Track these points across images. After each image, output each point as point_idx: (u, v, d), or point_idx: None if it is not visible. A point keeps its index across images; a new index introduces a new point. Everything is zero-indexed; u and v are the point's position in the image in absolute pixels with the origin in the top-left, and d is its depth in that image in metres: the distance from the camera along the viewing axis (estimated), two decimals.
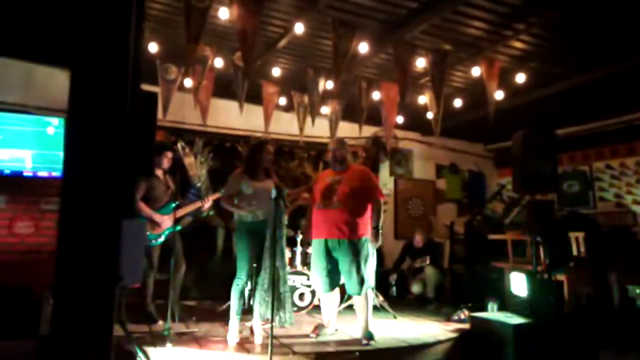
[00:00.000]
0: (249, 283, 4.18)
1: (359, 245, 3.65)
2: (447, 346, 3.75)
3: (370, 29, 4.46)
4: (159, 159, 4.13)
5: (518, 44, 4.72)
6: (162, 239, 4.08)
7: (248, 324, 3.79)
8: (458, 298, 5.26)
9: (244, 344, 3.46)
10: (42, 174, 4.93)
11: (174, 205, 4.03)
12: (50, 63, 4.99)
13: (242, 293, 3.67)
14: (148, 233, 3.99)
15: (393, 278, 5.54)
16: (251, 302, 4.43)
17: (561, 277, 4.61)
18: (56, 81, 4.88)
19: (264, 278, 3.76)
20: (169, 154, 4.24)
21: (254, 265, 3.71)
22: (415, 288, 5.58)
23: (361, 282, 3.61)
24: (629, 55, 4.67)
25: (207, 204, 4.30)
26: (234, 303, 3.62)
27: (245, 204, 3.65)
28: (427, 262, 5.53)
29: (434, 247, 5.97)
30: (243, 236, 3.66)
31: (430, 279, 5.48)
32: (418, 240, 5.86)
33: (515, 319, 3.74)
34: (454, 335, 3.90)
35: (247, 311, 4.19)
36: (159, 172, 4.17)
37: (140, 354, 3.04)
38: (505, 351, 3.57)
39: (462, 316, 4.47)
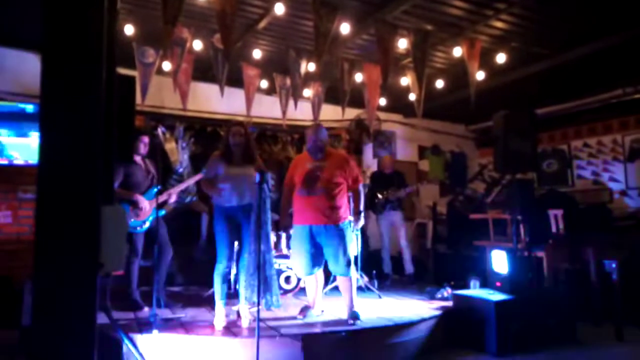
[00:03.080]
0: (234, 267, 4.19)
1: (343, 228, 3.72)
2: (431, 323, 3.83)
3: (352, 9, 4.41)
4: (136, 145, 4.05)
5: (498, 24, 4.74)
6: (146, 225, 4.04)
7: (235, 308, 3.80)
8: (441, 277, 5.36)
9: (231, 328, 3.47)
10: (18, 161, 4.81)
11: (156, 190, 3.98)
12: (21, 46, 4.82)
13: (224, 277, 3.66)
14: (132, 220, 3.94)
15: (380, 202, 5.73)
16: (237, 287, 4.46)
17: (540, 253, 4.73)
18: (28, 65, 4.72)
19: (249, 262, 3.76)
20: (145, 139, 4.15)
21: (235, 249, 3.71)
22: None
23: (348, 263, 3.68)
24: (606, 35, 4.73)
25: (173, 197, 4.26)
26: (217, 288, 3.63)
27: (219, 189, 3.63)
28: (401, 193, 5.67)
29: (401, 174, 6.08)
30: (219, 220, 3.65)
31: (407, 251, 5.61)
32: (388, 166, 6.00)
33: (496, 296, 3.83)
34: (437, 312, 3.98)
35: (233, 295, 4.21)
36: (137, 158, 4.10)
37: (126, 341, 3.03)
38: (487, 327, 3.67)
39: (445, 294, 4.56)
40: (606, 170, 6.63)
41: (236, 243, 3.80)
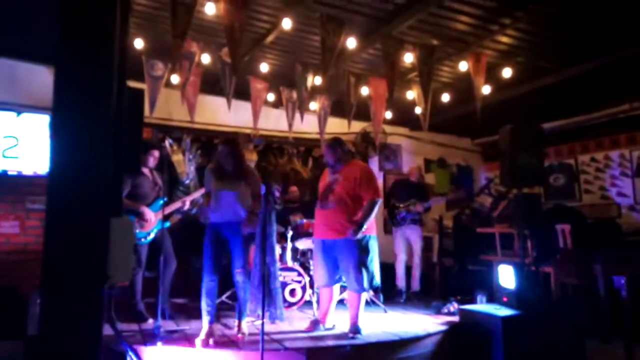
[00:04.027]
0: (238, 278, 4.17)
1: (359, 243, 3.64)
2: (437, 339, 3.78)
3: (358, 24, 4.46)
4: (145, 158, 4.10)
5: (504, 39, 4.76)
6: (151, 236, 4.05)
7: (244, 322, 3.79)
8: (447, 291, 5.31)
9: (234, 341, 3.45)
10: (27, 172, 4.86)
11: (162, 202, 4.01)
12: (34, 60, 4.90)
13: (209, 291, 3.55)
14: (137, 231, 3.96)
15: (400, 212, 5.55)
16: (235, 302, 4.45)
17: (548, 269, 4.68)
18: (40, 78, 4.80)
19: (254, 274, 3.75)
20: (156, 153, 4.21)
21: (222, 263, 3.64)
22: None
23: (359, 279, 3.62)
24: (613, 49, 4.74)
25: (187, 205, 4.27)
26: (202, 302, 3.54)
27: (206, 204, 3.63)
28: (419, 207, 5.45)
29: (424, 186, 5.96)
30: (207, 234, 3.62)
31: (419, 268, 5.48)
32: (414, 174, 5.88)
33: (503, 311, 3.79)
34: (443, 327, 3.93)
35: (231, 308, 4.19)
36: (145, 170, 4.13)
37: (130, 353, 3.02)
38: (494, 342, 3.62)
39: (452, 309, 4.52)
40: (614, 185, 6.58)
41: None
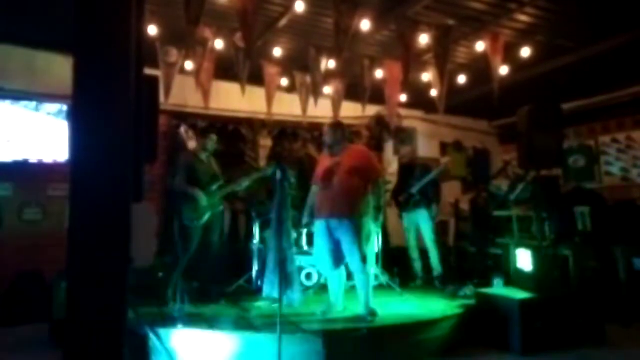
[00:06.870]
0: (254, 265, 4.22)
1: (360, 224, 3.68)
2: (453, 322, 3.79)
3: (372, 5, 4.39)
4: (204, 142, 4.36)
5: (523, 17, 4.64)
6: (205, 219, 4.16)
7: (258, 304, 3.85)
8: (464, 275, 5.28)
9: (252, 323, 3.51)
10: (47, 160, 4.96)
11: (216, 186, 4.14)
12: (52, 49, 4.95)
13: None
14: (190, 214, 4.11)
15: (403, 197, 5.35)
16: (259, 283, 4.52)
17: (566, 252, 4.63)
18: (58, 67, 4.85)
19: (270, 258, 3.79)
20: (214, 137, 4.43)
21: None
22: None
23: (363, 259, 3.66)
24: (635, 26, 4.58)
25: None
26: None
27: None
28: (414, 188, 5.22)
29: (422, 165, 5.63)
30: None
31: (432, 251, 5.25)
32: (405, 155, 5.71)
33: (521, 294, 3.77)
34: (460, 311, 3.94)
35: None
36: (202, 155, 4.33)
37: (152, 336, 3.10)
38: (511, 326, 3.62)
39: (468, 292, 4.50)
40: (636, 167, 6.43)
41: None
